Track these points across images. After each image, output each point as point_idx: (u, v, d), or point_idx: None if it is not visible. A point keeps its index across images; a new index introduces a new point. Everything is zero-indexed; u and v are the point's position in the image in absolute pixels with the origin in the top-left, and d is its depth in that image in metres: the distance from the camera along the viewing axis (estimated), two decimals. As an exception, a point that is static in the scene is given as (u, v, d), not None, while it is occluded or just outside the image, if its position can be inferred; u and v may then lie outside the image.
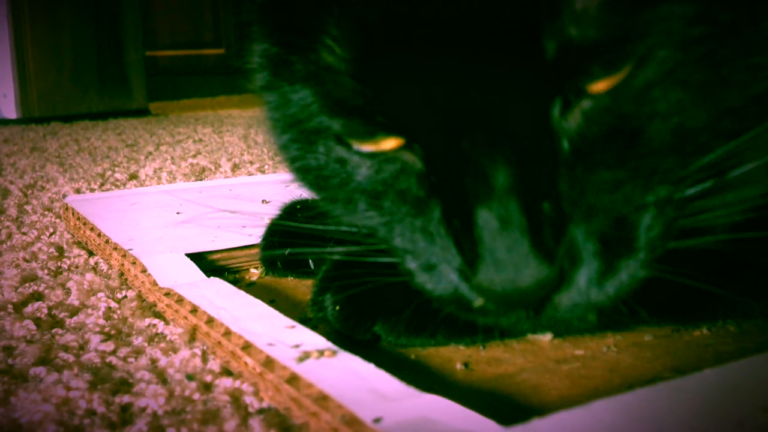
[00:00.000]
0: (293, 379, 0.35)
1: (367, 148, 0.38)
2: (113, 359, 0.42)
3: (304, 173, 0.44)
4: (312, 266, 0.54)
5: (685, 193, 0.35)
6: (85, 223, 0.69)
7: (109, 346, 0.44)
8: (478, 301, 0.35)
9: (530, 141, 0.33)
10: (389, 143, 0.37)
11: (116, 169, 1.19)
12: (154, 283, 0.51)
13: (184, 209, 0.73)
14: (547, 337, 0.42)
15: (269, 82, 0.42)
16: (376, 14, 0.34)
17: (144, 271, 0.54)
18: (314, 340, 0.39)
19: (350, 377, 0.35)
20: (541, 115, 0.33)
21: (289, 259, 0.55)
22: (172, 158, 1.31)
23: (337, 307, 0.42)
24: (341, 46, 0.35)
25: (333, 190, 0.41)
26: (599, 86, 0.33)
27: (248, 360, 0.38)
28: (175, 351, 0.43)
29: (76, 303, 0.52)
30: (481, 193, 0.33)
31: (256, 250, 0.58)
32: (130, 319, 0.49)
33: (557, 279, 0.33)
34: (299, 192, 0.63)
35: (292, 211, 0.57)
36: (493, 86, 0.33)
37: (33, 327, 0.47)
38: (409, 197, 0.37)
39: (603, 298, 0.34)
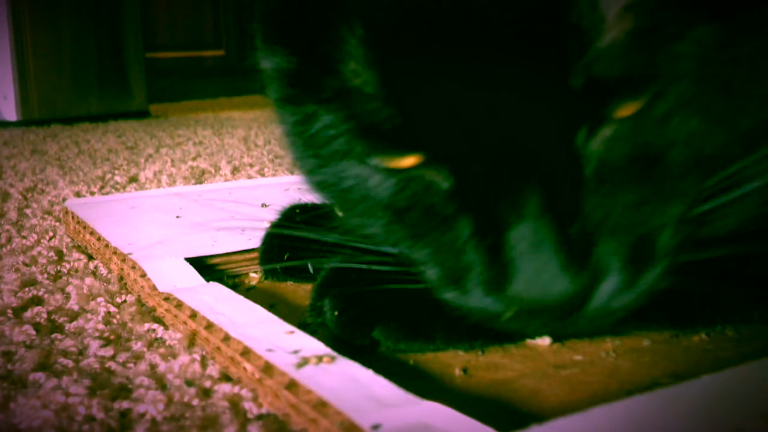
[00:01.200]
0: (292, 385, 0.35)
1: (391, 165, 0.38)
2: (112, 364, 0.42)
3: (322, 187, 0.44)
4: (311, 271, 0.54)
5: (698, 208, 0.38)
6: (84, 227, 0.69)
7: (109, 351, 0.44)
8: (508, 313, 0.37)
9: (557, 164, 0.35)
10: (414, 160, 0.38)
11: (116, 171, 1.20)
12: (154, 288, 0.51)
13: (184, 213, 0.73)
14: (545, 342, 0.42)
15: (287, 96, 0.42)
16: (405, 37, 0.34)
17: (143, 275, 0.54)
18: (313, 345, 0.39)
19: (349, 383, 0.35)
20: (566, 139, 0.35)
21: (288, 263, 0.55)
22: (172, 161, 1.32)
23: (336, 312, 0.42)
24: (369, 69, 0.35)
25: (353, 204, 0.42)
26: (621, 113, 0.35)
27: (247, 366, 0.38)
28: (175, 356, 0.43)
29: (76, 308, 0.52)
30: (512, 215, 0.35)
31: (255, 254, 0.58)
32: (129, 324, 0.49)
33: (584, 294, 0.35)
34: (299, 196, 0.63)
35: (291, 215, 0.57)
36: (521, 110, 0.34)
37: (32, 332, 0.47)
38: (435, 214, 0.38)
39: (622, 307, 0.37)
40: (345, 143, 0.39)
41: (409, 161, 0.38)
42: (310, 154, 0.42)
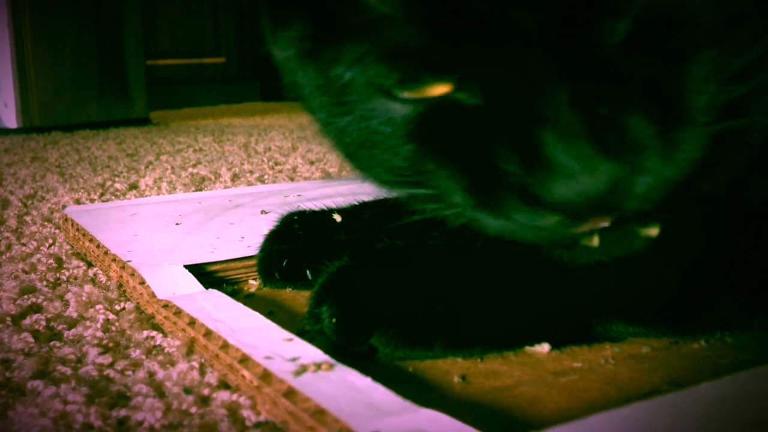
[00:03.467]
0: (290, 393, 0.35)
1: (418, 95, 0.38)
2: (111, 372, 0.42)
3: (346, 139, 0.43)
4: (309, 277, 0.54)
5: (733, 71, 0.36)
6: (84, 234, 0.69)
7: (107, 358, 0.44)
8: (552, 219, 0.36)
9: (579, 51, 0.34)
10: (441, 89, 0.37)
11: (116, 179, 1.20)
12: (153, 295, 0.51)
13: (184, 220, 0.73)
14: (544, 349, 0.42)
15: (306, 52, 0.42)
16: None
17: (142, 282, 0.54)
18: (311, 353, 0.39)
19: (347, 391, 0.35)
20: (591, 32, 0.34)
21: (286, 270, 0.55)
22: (172, 168, 1.32)
23: (334, 320, 0.42)
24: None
25: (381, 148, 0.41)
26: None
27: (246, 373, 0.38)
28: (173, 364, 0.43)
29: (75, 315, 0.52)
30: (541, 112, 0.34)
31: (254, 262, 0.58)
32: (128, 332, 0.49)
33: (629, 173, 0.34)
34: (297, 203, 0.63)
35: (289, 222, 0.57)
36: (543, 9, 0.34)
37: (31, 340, 0.47)
38: (465, 132, 0.38)
39: (675, 171, 0.35)
40: (370, 78, 0.39)
41: (436, 90, 0.37)
42: (334, 102, 0.42)
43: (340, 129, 0.43)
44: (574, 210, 0.35)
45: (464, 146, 0.38)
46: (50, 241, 0.75)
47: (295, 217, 0.58)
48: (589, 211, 0.35)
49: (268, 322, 0.44)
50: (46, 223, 0.84)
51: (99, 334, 0.48)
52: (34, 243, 0.74)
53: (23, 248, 0.72)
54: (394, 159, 0.41)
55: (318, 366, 0.37)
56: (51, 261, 0.66)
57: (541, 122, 0.34)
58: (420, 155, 0.40)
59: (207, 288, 0.52)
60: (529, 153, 0.35)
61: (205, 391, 0.39)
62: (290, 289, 0.56)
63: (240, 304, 0.48)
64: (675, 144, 0.35)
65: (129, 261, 0.58)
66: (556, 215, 0.36)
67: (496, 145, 0.36)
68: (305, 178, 1.16)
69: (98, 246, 0.64)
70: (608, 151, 0.34)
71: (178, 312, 0.47)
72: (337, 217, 0.57)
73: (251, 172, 1.24)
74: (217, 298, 0.50)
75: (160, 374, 0.42)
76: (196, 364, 0.42)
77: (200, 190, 1.08)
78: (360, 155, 0.44)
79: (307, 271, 0.55)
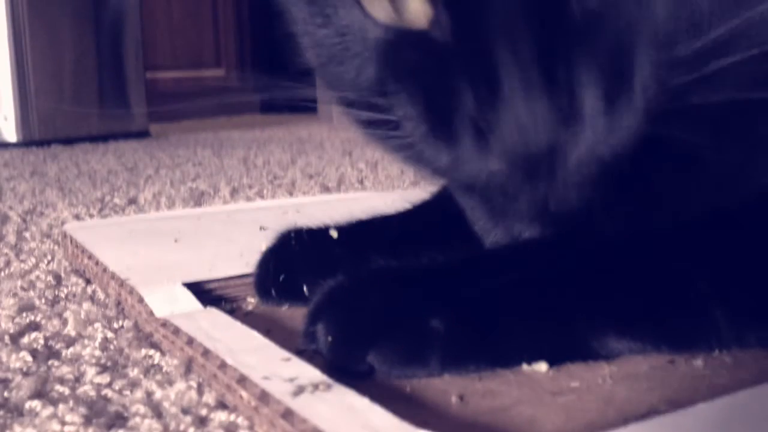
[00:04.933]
0: (288, 414, 0.35)
1: (393, 21, 0.41)
2: (108, 392, 0.42)
3: (322, 55, 0.46)
4: (307, 294, 0.54)
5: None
6: (83, 251, 0.69)
7: (105, 378, 0.44)
8: (495, 163, 0.38)
9: (540, 13, 0.37)
10: (418, 16, 0.40)
11: (115, 193, 1.20)
12: (151, 314, 0.51)
13: (182, 237, 0.73)
14: (542, 368, 0.42)
15: None
16: None
17: (141, 300, 0.54)
18: (309, 373, 0.39)
19: (345, 412, 0.35)
20: None
21: (283, 287, 0.55)
22: (171, 182, 1.32)
23: (329, 338, 0.42)
24: None
25: (350, 65, 0.44)
26: None
27: (243, 393, 0.38)
28: (171, 383, 0.43)
29: (73, 333, 0.52)
30: (505, 60, 0.36)
31: (252, 279, 0.58)
32: (126, 350, 0.49)
33: (570, 138, 0.37)
34: (295, 219, 0.63)
35: (286, 238, 0.57)
36: None
37: (29, 359, 0.47)
38: (429, 66, 0.40)
39: (609, 148, 0.38)
40: None
41: (412, 16, 0.40)
42: (315, 13, 0.45)
43: (316, 41, 0.46)
44: (514, 159, 0.38)
45: (426, 76, 0.40)
46: (49, 257, 0.75)
47: (293, 234, 0.58)
48: (527, 165, 0.38)
49: (266, 341, 0.44)
50: (45, 239, 0.85)
51: (97, 352, 0.48)
52: (33, 259, 0.74)
53: (22, 265, 0.72)
54: (359, 77, 0.44)
55: (315, 386, 0.37)
56: (50, 278, 0.67)
57: (503, 69, 0.36)
58: (384, 76, 0.42)
59: (205, 306, 0.52)
60: (486, 93, 0.37)
61: (203, 411, 0.40)
62: (288, 306, 0.56)
63: (238, 323, 0.48)
64: (615, 120, 0.38)
65: (127, 278, 0.58)
66: (498, 160, 0.38)
67: (456, 78, 0.38)
68: (304, 193, 1.17)
69: (97, 263, 0.65)
70: (557, 111, 0.36)
71: (176, 331, 0.47)
72: (334, 234, 0.57)
73: (250, 186, 1.24)
74: (215, 316, 0.50)
75: (158, 394, 0.42)
76: (193, 384, 0.42)
77: (199, 204, 1.09)
78: (330, 69, 0.46)
79: (304, 288, 0.55)
